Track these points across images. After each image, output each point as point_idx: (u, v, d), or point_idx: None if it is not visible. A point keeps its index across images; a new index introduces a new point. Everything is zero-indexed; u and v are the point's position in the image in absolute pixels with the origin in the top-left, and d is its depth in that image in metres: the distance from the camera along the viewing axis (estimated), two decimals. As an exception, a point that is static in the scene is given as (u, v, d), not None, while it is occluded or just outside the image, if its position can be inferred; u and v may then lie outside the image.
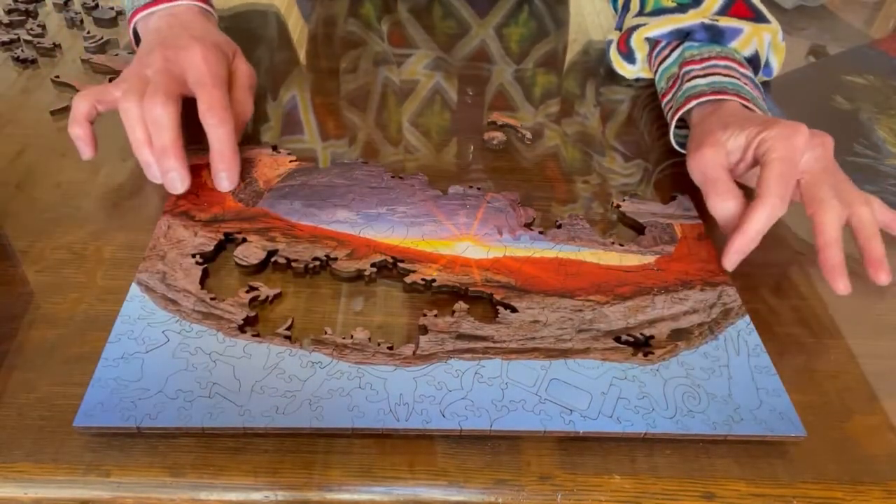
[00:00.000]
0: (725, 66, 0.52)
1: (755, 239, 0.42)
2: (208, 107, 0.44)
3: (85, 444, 0.33)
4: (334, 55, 0.64)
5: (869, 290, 0.44)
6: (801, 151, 0.43)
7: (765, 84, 0.60)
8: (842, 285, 0.41)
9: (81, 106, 0.45)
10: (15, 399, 0.34)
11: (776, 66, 0.58)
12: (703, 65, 0.52)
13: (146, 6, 0.50)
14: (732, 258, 0.42)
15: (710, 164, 0.44)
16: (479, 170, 0.51)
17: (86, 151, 0.45)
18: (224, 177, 0.45)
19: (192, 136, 0.46)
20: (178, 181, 0.44)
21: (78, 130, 0.45)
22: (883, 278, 0.42)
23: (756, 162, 0.44)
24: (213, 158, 0.45)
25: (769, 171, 0.42)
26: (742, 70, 0.52)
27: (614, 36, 0.62)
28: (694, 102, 0.50)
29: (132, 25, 0.52)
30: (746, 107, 0.48)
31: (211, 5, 0.54)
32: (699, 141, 0.46)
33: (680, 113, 0.51)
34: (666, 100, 0.54)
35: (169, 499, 0.32)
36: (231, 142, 0.45)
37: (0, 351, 0.36)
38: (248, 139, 0.52)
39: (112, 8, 0.66)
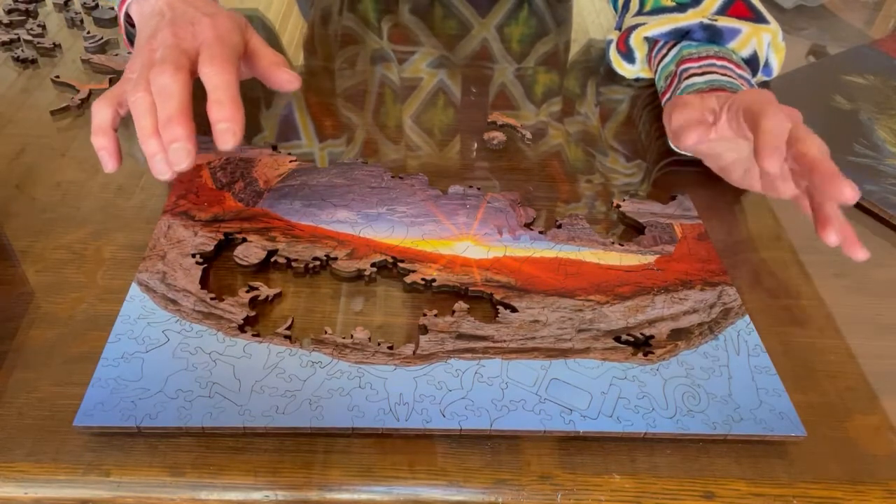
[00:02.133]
0: (722, 67, 0.52)
1: (778, 136, 0.39)
2: (208, 58, 0.39)
3: (85, 443, 0.33)
4: (330, 54, 0.64)
5: (869, 290, 0.44)
6: (774, 99, 0.42)
7: (765, 84, 0.60)
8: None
9: (102, 113, 0.40)
10: (15, 399, 0.34)
11: (776, 66, 0.58)
12: (701, 63, 0.52)
13: None
14: (770, 153, 0.39)
15: (681, 101, 0.46)
16: (479, 169, 0.51)
17: (109, 164, 0.40)
18: (225, 128, 0.38)
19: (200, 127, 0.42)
20: (182, 153, 0.37)
21: (101, 140, 0.40)
22: (850, 193, 0.38)
23: (734, 129, 0.44)
24: (211, 109, 0.38)
25: (757, 106, 0.41)
26: (739, 71, 0.52)
27: (614, 36, 0.62)
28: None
29: (123, 10, 0.47)
30: None
31: None
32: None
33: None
34: (664, 99, 0.54)
35: (169, 499, 0.32)
36: (231, 91, 0.39)
37: (0, 351, 0.36)
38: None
39: (112, 8, 0.66)
